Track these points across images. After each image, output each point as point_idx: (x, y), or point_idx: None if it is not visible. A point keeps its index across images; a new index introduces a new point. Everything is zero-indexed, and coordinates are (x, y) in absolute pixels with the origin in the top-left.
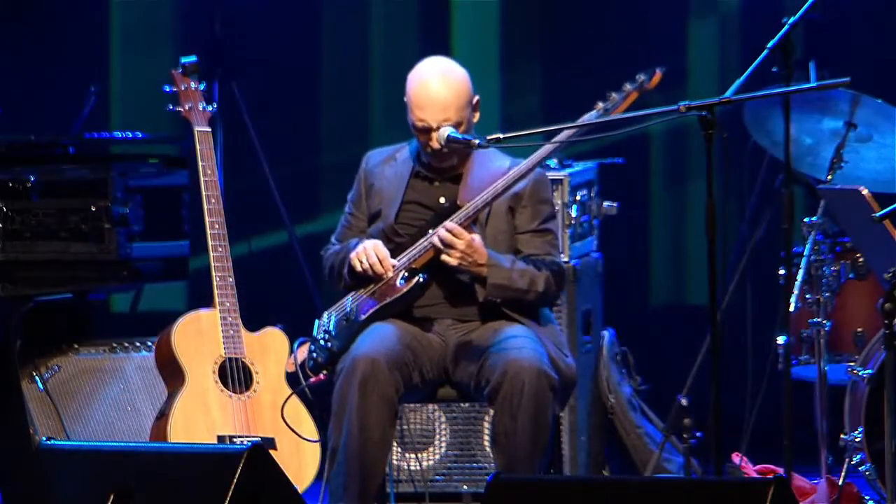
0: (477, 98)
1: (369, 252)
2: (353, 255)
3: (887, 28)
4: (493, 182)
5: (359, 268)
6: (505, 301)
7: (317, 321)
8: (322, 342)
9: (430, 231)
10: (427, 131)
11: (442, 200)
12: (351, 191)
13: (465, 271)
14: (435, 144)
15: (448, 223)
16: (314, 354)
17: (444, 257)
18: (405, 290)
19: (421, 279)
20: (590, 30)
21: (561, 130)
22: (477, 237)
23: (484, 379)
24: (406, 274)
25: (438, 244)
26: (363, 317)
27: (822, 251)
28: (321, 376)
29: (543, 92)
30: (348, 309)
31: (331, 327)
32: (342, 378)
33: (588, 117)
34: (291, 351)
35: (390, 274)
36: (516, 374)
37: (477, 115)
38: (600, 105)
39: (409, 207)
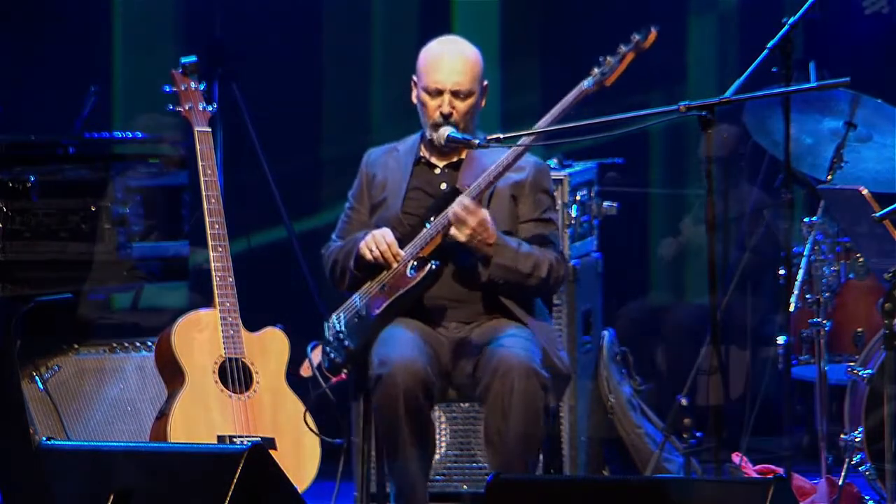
0: (486, 82)
1: (379, 240)
2: (361, 244)
3: (887, 28)
4: (493, 165)
5: (369, 256)
6: (507, 284)
7: (325, 324)
8: (336, 342)
9: (432, 218)
10: (440, 93)
11: (443, 187)
12: (351, 188)
13: (471, 249)
14: (446, 109)
15: (462, 198)
16: (331, 355)
17: (453, 231)
18: (418, 278)
19: (433, 266)
20: (589, 26)
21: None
22: (488, 216)
23: (478, 378)
24: (415, 263)
25: (454, 216)
26: (377, 312)
27: (822, 251)
28: (342, 375)
29: (543, 88)
30: (358, 306)
31: (342, 327)
32: (384, 388)
33: (586, 83)
34: (306, 355)
35: (401, 259)
36: (506, 373)
37: (484, 101)
38: (595, 71)
39: (414, 195)
